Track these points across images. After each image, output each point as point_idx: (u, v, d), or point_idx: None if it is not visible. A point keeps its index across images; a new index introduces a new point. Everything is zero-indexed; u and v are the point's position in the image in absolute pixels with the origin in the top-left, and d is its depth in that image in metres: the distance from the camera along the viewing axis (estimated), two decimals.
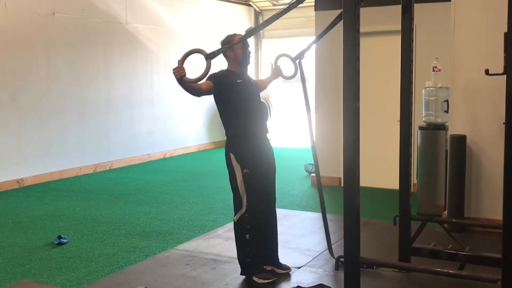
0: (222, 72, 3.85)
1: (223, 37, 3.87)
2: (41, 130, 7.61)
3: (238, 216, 3.79)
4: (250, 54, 3.94)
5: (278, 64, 4.14)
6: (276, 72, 4.13)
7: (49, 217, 5.74)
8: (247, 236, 3.78)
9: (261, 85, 4.21)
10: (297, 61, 4.10)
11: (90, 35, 8.31)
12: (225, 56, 3.87)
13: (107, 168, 8.58)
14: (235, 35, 3.84)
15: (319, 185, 4.05)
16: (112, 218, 5.67)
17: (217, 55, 3.53)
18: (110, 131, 8.73)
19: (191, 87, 3.54)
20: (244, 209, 3.75)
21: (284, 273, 3.91)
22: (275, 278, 3.79)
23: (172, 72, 3.44)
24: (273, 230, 3.96)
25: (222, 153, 3.86)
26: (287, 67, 4.18)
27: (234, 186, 3.80)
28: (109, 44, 8.66)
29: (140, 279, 3.88)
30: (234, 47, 3.78)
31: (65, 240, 4.85)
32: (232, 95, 3.78)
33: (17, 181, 7.25)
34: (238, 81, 3.80)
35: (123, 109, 8.98)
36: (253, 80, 4.03)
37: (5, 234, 5.16)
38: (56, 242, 4.81)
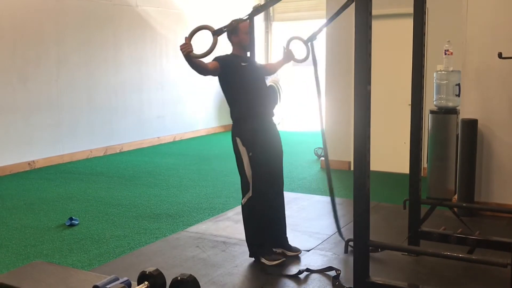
0: (227, 55, 3.85)
1: (228, 22, 3.85)
2: (51, 113, 7.65)
3: (245, 199, 3.81)
4: (254, 41, 3.87)
5: (290, 48, 4.12)
6: (288, 56, 4.11)
7: (60, 199, 5.79)
8: (255, 218, 3.81)
9: (271, 69, 4.21)
10: (309, 44, 4.08)
11: (99, 18, 8.30)
12: (230, 41, 3.86)
13: (117, 151, 8.63)
14: (240, 20, 3.82)
15: (327, 169, 4.04)
16: (122, 200, 5.71)
17: (224, 31, 3.54)
18: (120, 114, 8.76)
19: (198, 64, 3.55)
20: (251, 192, 3.77)
21: (294, 255, 3.93)
22: (284, 259, 3.81)
23: (179, 49, 3.44)
24: (280, 212, 3.97)
25: (231, 136, 3.86)
26: (299, 50, 4.15)
27: (241, 170, 3.81)
28: (118, 27, 8.65)
29: (150, 260, 3.92)
30: (239, 32, 3.77)
31: (76, 222, 4.90)
32: (237, 78, 3.77)
33: (29, 163, 7.31)
34: (243, 64, 3.80)
35: (133, 93, 8.99)
36: (258, 64, 4.01)
37: (17, 215, 5.22)
38: (67, 224, 4.87)
